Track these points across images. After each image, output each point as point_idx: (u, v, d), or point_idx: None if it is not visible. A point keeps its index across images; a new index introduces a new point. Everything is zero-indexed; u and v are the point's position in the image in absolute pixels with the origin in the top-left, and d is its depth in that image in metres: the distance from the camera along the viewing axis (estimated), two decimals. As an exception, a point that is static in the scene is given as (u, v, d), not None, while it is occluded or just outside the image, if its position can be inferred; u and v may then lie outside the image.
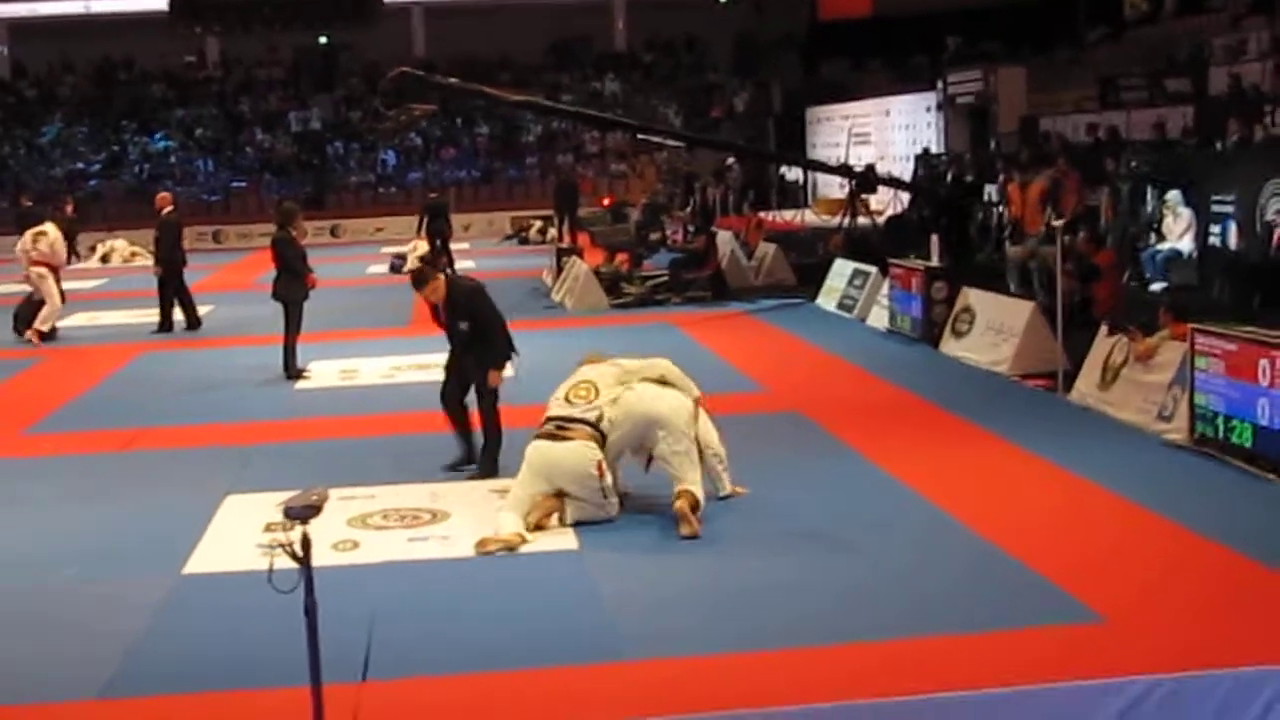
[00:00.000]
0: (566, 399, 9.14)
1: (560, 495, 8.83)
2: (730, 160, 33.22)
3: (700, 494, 8.82)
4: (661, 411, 9.02)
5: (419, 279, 10.33)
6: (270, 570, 4.42)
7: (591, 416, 8.98)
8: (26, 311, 18.12)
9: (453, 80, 22.41)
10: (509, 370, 10.49)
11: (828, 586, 7.69)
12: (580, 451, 8.83)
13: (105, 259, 30.63)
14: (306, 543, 4.31)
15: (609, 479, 8.88)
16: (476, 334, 10.14)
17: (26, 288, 18.54)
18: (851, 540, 8.51)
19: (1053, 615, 7.06)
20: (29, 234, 18.25)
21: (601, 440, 8.94)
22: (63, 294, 18.47)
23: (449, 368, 10.42)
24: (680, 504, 8.68)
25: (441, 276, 10.32)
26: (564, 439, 8.92)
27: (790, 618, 7.18)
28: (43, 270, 17.90)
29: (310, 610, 4.36)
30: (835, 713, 5.01)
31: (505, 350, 10.24)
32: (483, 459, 10.19)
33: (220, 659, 6.84)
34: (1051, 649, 6.58)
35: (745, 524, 8.90)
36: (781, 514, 9.06)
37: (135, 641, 7.15)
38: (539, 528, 8.69)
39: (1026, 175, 19.11)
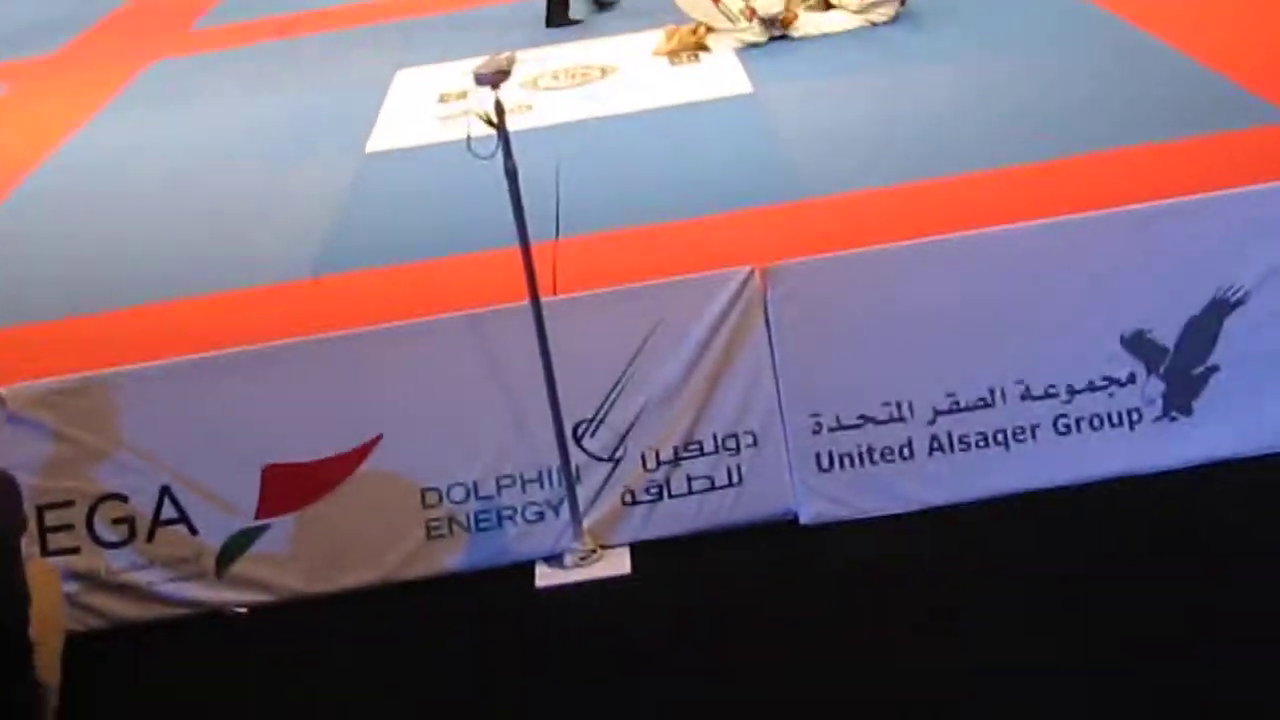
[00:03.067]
0: None
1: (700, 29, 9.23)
2: None
3: None
4: None
5: None
6: (468, 139, 4.47)
7: None
8: None
9: None
10: None
11: (1013, 106, 7.55)
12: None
13: None
14: (500, 107, 4.33)
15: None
16: None
17: None
18: (1035, 56, 8.31)
19: (1250, 119, 6.84)
20: None
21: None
22: None
23: None
24: None
25: None
26: None
27: (978, 139, 7.10)
28: None
29: (511, 173, 4.43)
30: (1037, 230, 4.95)
31: None
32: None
33: (418, 230, 7.02)
34: (1252, 152, 6.41)
35: (919, 45, 8.73)
36: (958, 35, 8.85)
37: (333, 222, 7.36)
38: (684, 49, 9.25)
39: None
